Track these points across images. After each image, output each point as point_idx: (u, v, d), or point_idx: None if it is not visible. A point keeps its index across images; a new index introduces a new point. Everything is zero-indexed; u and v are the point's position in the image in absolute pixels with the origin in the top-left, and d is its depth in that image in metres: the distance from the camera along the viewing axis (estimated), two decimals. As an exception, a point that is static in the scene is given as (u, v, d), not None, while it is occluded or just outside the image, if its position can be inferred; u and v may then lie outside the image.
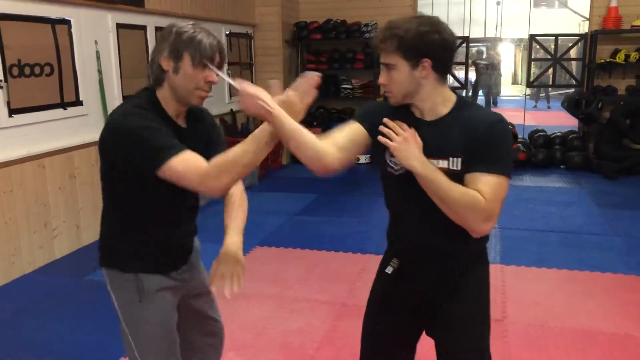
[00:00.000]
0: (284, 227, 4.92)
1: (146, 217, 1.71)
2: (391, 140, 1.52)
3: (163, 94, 1.65)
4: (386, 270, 1.73)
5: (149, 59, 1.67)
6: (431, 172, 1.49)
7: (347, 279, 3.72)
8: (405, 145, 1.51)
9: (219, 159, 1.53)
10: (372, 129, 1.59)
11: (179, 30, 1.61)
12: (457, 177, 1.52)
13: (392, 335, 1.77)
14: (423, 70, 1.52)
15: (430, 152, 1.53)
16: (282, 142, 1.52)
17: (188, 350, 1.94)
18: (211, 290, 1.87)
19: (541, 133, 7.58)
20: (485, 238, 1.71)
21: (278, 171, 7.23)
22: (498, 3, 15.71)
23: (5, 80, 3.62)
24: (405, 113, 1.61)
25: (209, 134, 1.80)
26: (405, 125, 1.54)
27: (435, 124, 1.57)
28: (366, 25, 7.44)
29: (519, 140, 7.26)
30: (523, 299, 3.40)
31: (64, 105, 4.15)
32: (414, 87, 1.54)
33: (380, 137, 1.54)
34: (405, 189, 1.59)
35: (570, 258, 4.04)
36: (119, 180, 1.66)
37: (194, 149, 1.58)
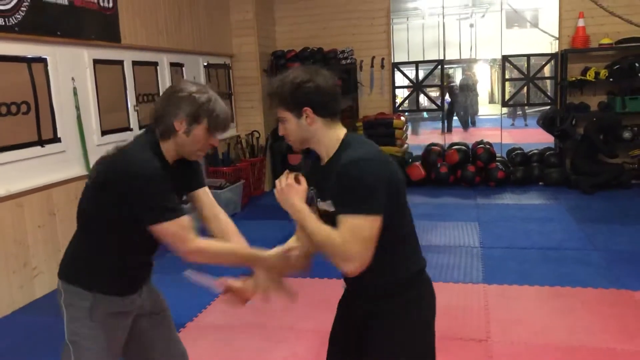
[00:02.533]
0: (267, 255, 4.90)
1: (118, 249, 1.80)
2: (276, 187, 1.67)
3: (167, 147, 1.77)
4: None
5: (159, 111, 1.77)
6: (302, 217, 1.62)
7: (331, 306, 3.68)
8: (282, 194, 1.65)
9: (206, 245, 1.76)
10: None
11: (199, 99, 1.73)
12: (335, 219, 1.58)
13: (337, 356, 1.86)
14: (307, 117, 1.62)
15: (321, 195, 1.68)
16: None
17: None
18: (168, 312, 2.04)
19: (519, 151, 7.71)
20: (412, 267, 1.70)
21: (260, 198, 7.24)
22: (471, 25, 16.04)
23: (-19, 120, 3.62)
24: (317, 158, 1.74)
25: (194, 171, 1.95)
26: (291, 175, 1.66)
27: (326, 167, 1.67)
28: (342, 51, 7.56)
29: (497, 159, 7.37)
30: (506, 318, 3.42)
31: (41, 142, 4.14)
32: (306, 134, 1.65)
33: (275, 190, 1.69)
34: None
35: (551, 274, 4.09)
36: (106, 214, 1.74)
37: (181, 186, 1.81)
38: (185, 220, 1.70)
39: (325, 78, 1.63)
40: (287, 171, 1.70)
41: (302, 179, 1.68)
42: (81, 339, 1.78)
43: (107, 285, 1.80)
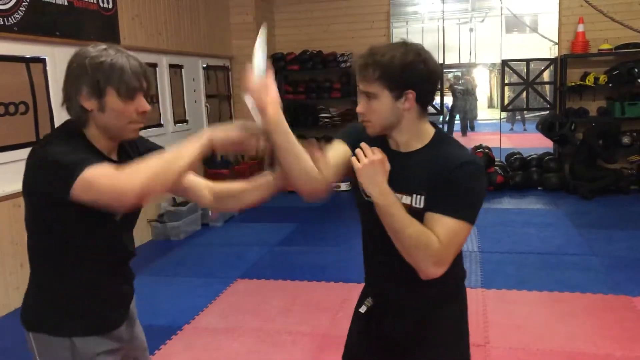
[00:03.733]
0: (264, 258, 4.89)
1: (79, 264, 1.50)
2: (360, 160, 1.43)
3: (92, 133, 1.45)
4: (360, 310, 1.65)
5: (63, 95, 1.45)
6: (390, 202, 1.41)
7: (329, 310, 3.69)
8: (370, 169, 1.41)
9: (138, 162, 1.38)
10: (354, 149, 1.49)
11: (94, 61, 1.38)
12: (419, 215, 1.44)
13: None
14: (406, 101, 1.43)
15: (396, 186, 1.45)
16: (275, 151, 1.43)
17: None
18: (147, 350, 1.75)
19: (518, 155, 7.70)
20: (461, 274, 1.63)
21: (259, 202, 7.20)
22: (471, 30, 16.07)
23: (-21, 120, 3.60)
24: (381, 142, 1.53)
25: (145, 154, 1.57)
26: (378, 150, 1.44)
27: (407, 158, 1.50)
28: (342, 55, 7.55)
29: (496, 163, 7.36)
30: (505, 323, 3.40)
31: (39, 143, 4.12)
32: (395, 119, 1.46)
33: (352, 158, 1.46)
34: (377, 218, 1.47)
35: (550, 279, 4.07)
36: (44, 223, 1.47)
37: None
38: (102, 165, 1.34)
39: (436, 63, 1.46)
40: (364, 144, 1.45)
41: (385, 158, 1.45)
42: None
43: (85, 322, 1.51)
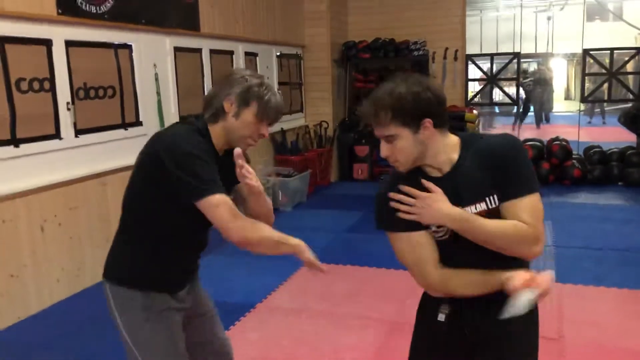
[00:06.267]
0: (332, 244, 4.96)
1: (167, 237, 1.73)
2: (410, 211, 1.46)
3: (215, 130, 1.71)
4: (438, 319, 1.59)
5: (210, 94, 1.73)
6: (466, 221, 1.44)
7: (397, 297, 3.71)
8: (427, 210, 1.45)
9: (251, 225, 1.64)
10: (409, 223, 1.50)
11: (251, 81, 1.69)
12: (498, 212, 1.48)
13: None
14: (425, 130, 1.46)
15: (465, 200, 1.48)
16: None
17: None
18: (214, 311, 1.96)
19: (597, 149, 7.37)
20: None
21: (326, 189, 7.30)
22: (549, 18, 15.43)
23: (73, 102, 3.84)
24: (416, 177, 1.51)
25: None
26: (413, 190, 1.46)
27: (455, 173, 1.51)
28: (415, 42, 7.47)
29: (573, 156, 7.09)
30: (580, 318, 3.31)
31: (125, 125, 4.36)
32: (422, 149, 1.48)
33: (400, 214, 1.47)
34: (454, 250, 1.51)
35: (631, 277, 3.90)
36: (151, 197, 1.68)
37: (229, 179, 1.70)
38: (224, 196, 1.61)
39: (434, 86, 1.50)
40: (399, 196, 1.47)
41: (431, 185, 1.48)
42: (143, 342, 1.72)
43: (158, 281, 1.74)
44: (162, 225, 1.71)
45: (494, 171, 1.47)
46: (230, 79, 1.70)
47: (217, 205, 1.58)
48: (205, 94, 1.78)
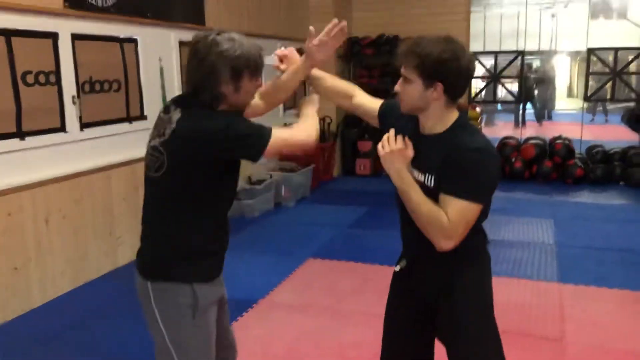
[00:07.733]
0: (336, 239, 4.97)
1: (211, 213, 1.70)
2: (383, 147, 1.66)
3: (221, 109, 1.70)
4: (395, 269, 1.87)
5: (197, 85, 1.65)
6: (406, 185, 1.63)
7: (400, 293, 3.72)
8: (389, 157, 1.65)
9: (303, 126, 1.81)
10: (384, 124, 1.85)
11: (230, 54, 1.61)
12: (431, 193, 1.62)
13: (404, 334, 1.89)
14: (434, 92, 1.60)
15: (415, 164, 1.67)
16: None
17: None
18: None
19: (599, 148, 7.38)
20: (480, 243, 1.78)
21: (329, 183, 7.30)
22: (553, 15, 15.37)
23: (78, 96, 3.85)
24: (414, 124, 1.73)
25: None
26: (400, 140, 1.66)
27: (428, 140, 1.68)
28: (419, 39, 7.44)
29: (576, 156, 7.09)
30: (582, 319, 3.32)
31: (129, 119, 4.36)
32: (423, 104, 1.64)
33: (378, 145, 1.68)
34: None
35: (633, 278, 3.92)
36: (196, 183, 1.63)
37: None
38: (280, 127, 1.72)
39: (469, 61, 1.62)
40: (392, 131, 1.68)
41: (409, 145, 1.67)
42: (183, 341, 1.67)
43: (206, 267, 1.71)
44: (209, 209, 1.69)
45: (446, 163, 1.60)
46: (209, 64, 1.62)
47: (285, 137, 1.71)
48: (186, 76, 1.72)
